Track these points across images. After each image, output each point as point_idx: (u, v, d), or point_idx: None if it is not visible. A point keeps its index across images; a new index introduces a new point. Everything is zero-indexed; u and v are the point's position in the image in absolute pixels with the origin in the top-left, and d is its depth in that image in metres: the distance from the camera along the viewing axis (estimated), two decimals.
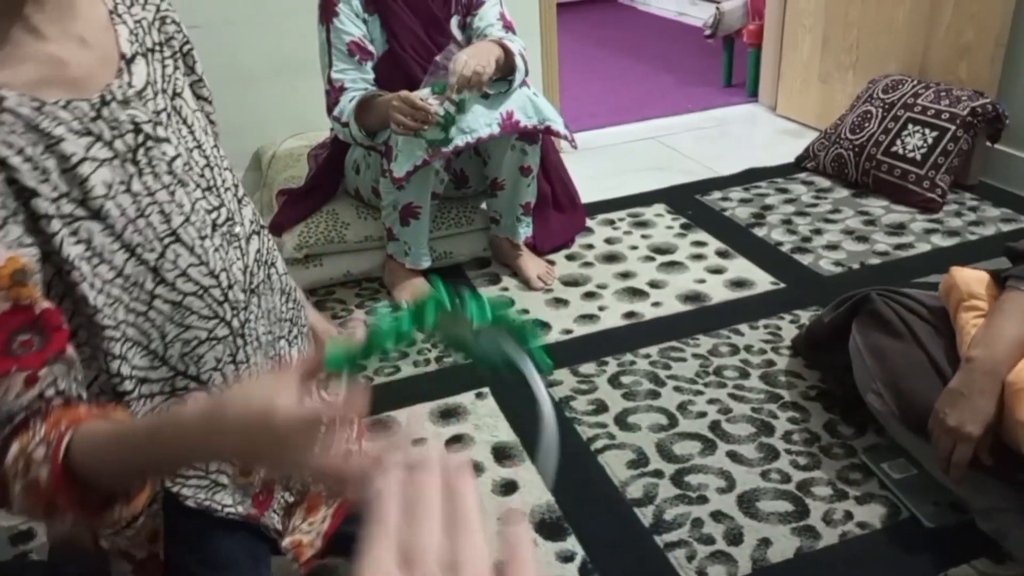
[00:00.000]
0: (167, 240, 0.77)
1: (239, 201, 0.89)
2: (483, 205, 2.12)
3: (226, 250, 0.83)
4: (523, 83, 1.81)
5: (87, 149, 0.71)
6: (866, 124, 2.41)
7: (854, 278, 1.94)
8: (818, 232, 2.18)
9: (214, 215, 0.83)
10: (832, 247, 2.10)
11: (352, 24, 1.80)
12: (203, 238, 0.81)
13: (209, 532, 0.87)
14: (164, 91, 0.81)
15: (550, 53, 2.79)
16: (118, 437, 0.65)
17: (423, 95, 1.68)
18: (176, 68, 0.84)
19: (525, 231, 2.05)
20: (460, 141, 1.73)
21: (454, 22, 1.89)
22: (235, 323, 0.84)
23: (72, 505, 0.63)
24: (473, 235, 2.12)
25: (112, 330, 0.72)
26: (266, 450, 0.60)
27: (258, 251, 0.89)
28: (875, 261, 2.02)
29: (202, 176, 0.83)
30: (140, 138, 0.76)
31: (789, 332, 1.74)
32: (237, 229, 0.86)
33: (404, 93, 1.65)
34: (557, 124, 1.83)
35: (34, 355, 0.65)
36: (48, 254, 0.68)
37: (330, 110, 1.83)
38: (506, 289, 2.00)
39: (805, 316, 1.79)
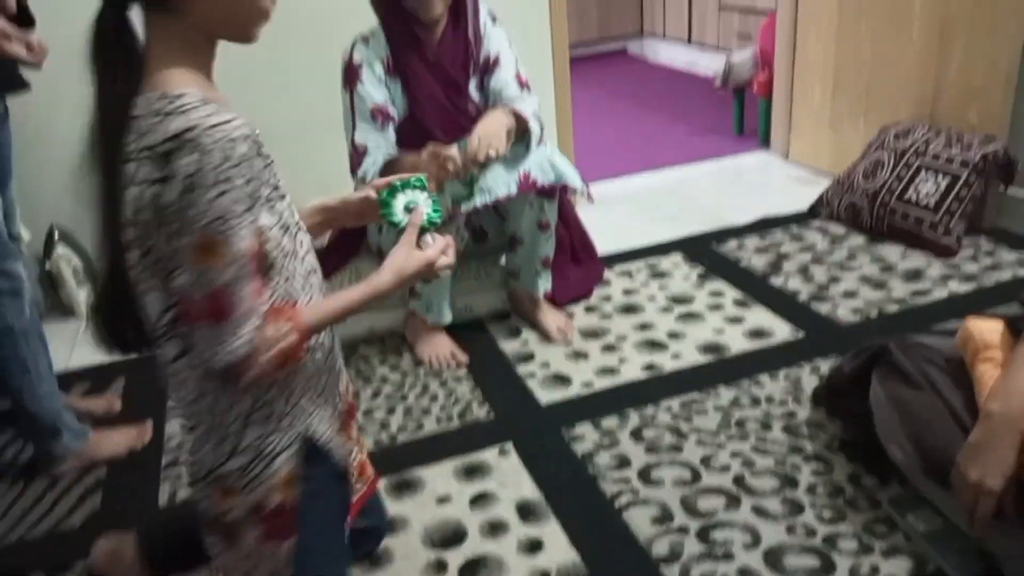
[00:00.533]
0: (297, 227, 1.03)
1: None
2: (502, 259, 2.16)
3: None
4: (540, 142, 1.86)
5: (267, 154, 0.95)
6: (878, 171, 2.44)
7: (872, 326, 1.95)
8: (835, 280, 2.20)
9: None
10: (849, 295, 2.11)
11: (374, 89, 1.86)
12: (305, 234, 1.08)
13: (331, 480, 1.09)
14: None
15: (564, 105, 2.85)
16: (336, 303, 1.02)
17: (451, 153, 1.74)
18: None
19: (545, 285, 2.08)
20: (479, 201, 1.77)
21: (472, 84, 1.94)
22: None
23: (302, 352, 0.98)
24: (492, 289, 2.16)
25: (272, 286, 0.96)
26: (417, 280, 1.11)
27: None
28: (893, 308, 2.03)
29: None
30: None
31: (810, 382, 1.75)
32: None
33: (434, 146, 1.70)
34: (574, 181, 1.87)
35: (266, 283, 0.96)
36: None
37: (354, 171, 1.89)
38: (526, 343, 2.03)
39: (825, 365, 1.80)
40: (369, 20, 1.90)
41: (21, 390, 1.57)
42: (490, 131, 1.72)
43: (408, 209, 1.15)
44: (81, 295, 2.39)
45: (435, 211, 1.15)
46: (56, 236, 2.33)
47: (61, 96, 1.92)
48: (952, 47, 2.41)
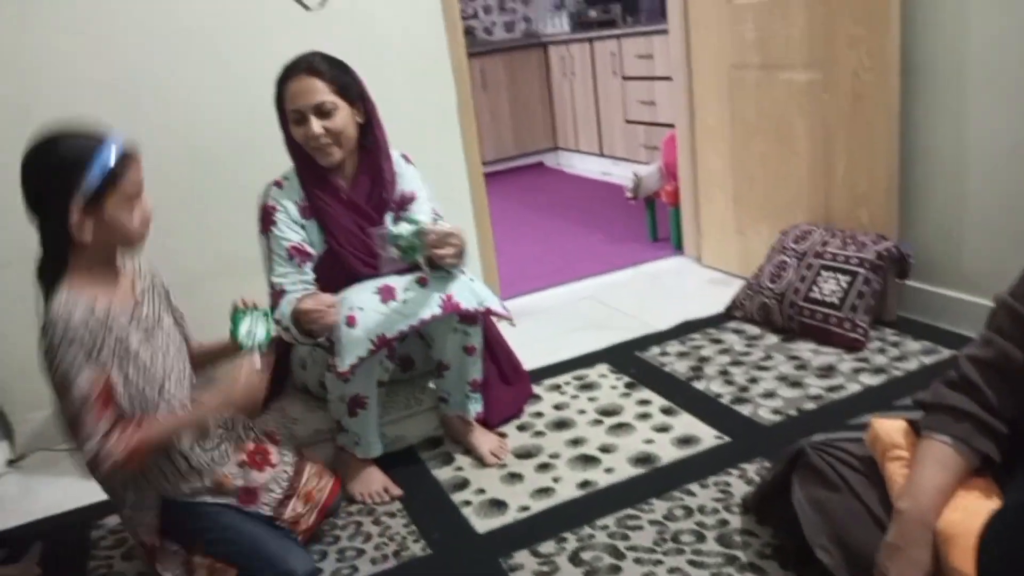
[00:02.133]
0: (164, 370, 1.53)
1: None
2: (431, 384, 2.17)
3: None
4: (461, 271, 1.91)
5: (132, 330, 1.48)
6: (783, 273, 2.57)
7: (793, 425, 2.01)
8: (754, 381, 2.27)
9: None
10: (769, 395, 2.19)
11: (290, 230, 1.90)
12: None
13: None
14: (156, 314, 1.56)
15: (483, 220, 2.92)
16: (167, 422, 1.48)
17: (390, 227, 1.82)
18: (160, 303, 1.59)
19: (475, 408, 2.09)
20: (404, 326, 1.79)
21: (388, 219, 2.00)
22: None
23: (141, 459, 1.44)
24: (423, 415, 2.15)
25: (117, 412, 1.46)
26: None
27: None
28: (810, 406, 2.11)
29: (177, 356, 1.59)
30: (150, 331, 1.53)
31: (738, 487, 1.78)
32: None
33: (300, 308, 1.75)
34: (495, 305, 1.92)
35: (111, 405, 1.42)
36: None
37: (272, 311, 1.89)
38: (460, 468, 2.02)
39: (752, 469, 1.84)
40: (282, 166, 1.96)
41: None
42: (458, 230, 1.78)
43: (249, 333, 1.55)
44: None
45: (267, 335, 1.57)
46: None
47: None
48: (836, 160, 2.60)
